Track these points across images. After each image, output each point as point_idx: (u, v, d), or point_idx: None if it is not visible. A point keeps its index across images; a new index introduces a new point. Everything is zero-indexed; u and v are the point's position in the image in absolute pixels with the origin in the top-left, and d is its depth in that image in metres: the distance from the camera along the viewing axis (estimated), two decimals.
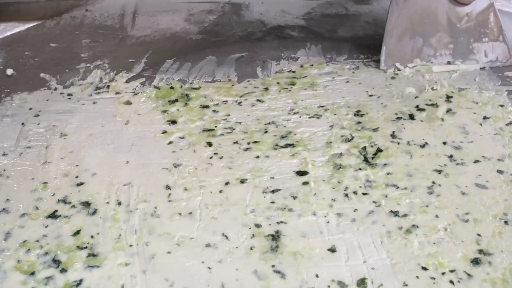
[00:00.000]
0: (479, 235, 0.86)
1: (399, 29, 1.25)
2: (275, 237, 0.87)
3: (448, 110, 1.13)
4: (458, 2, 1.21)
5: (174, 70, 1.32)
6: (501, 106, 1.14)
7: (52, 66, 1.35)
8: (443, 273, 0.80)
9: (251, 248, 0.85)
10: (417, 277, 0.79)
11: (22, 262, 0.84)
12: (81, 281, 0.81)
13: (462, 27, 1.23)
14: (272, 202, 0.93)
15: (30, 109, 1.20)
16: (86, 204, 0.94)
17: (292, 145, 1.05)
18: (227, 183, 0.97)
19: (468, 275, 0.79)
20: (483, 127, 1.09)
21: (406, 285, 0.78)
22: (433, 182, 0.96)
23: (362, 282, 0.79)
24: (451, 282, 0.78)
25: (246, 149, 1.05)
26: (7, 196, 0.96)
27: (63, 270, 0.83)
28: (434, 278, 0.79)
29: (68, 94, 1.25)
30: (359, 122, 1.11)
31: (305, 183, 0.97)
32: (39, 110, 1.19)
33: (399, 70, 1.27)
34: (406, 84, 1.23)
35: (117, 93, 1.24)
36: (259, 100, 1.20)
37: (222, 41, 1.46)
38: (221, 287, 0.79)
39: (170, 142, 1.08)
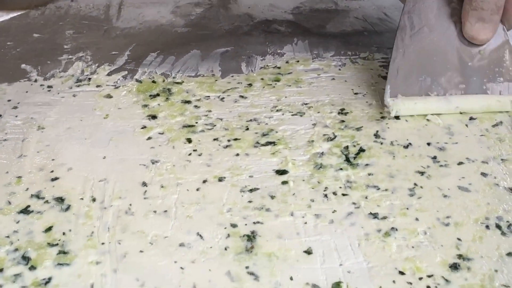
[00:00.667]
0: (459, 239, 0.84)
1: (405, 67, 1.10)
2: (251, 237, 0.85)
3: None
4: (470, 42, 1.10)
5: (157, 64, 1.30)
6: None
7: (33, 57, 1.33)
8: (420, 278, 0.78)
9: (225, 249, 0.83)
10: (393, 281, 0.78)
11: None
12: (50, 279, 0.79)
13: (474, 65, 1.10)
14: (250, 202, 0.91)
15: (9, 100, 1.18)
16: (60, 199, 0.92)
17: (273, 143, 1.03)
18: (204, 181, 0.95)
19: (446, 280, 0.78)
20: (469, 128, 1.07)
21: None
22: (415, 184, 0.94)
23: (337, 285, 0.77)
24: (428, 287, 0.77)
25: (226, 146, 1.03)
26: None
27: (32, 268, 0.81)
28: (411, 283, 0.77)
29: (48, 86, 1.22)
30: (343, 121, 1.09)
31: (284, 182, 0.95)
32: (18, 102, 1.17)
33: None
34: None
35: (98, 86, 1.22)
36: (242, 96, 1.17)
37: (208, 35, 1.44)
38: None
39: (149, 138, 1.06)
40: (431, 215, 0.88)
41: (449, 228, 0.86)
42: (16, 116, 1.12)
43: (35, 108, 1.15)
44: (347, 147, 1.02)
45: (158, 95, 1.18)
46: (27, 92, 1.20)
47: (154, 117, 1.11)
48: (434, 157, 1.00)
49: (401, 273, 0.79)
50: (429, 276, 0.78)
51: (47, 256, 0.82)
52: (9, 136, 1.07)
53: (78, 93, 1.20)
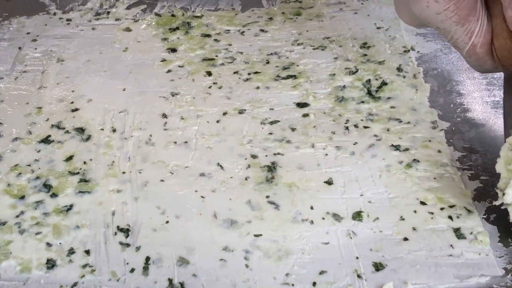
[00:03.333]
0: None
1: None
2: (271, 168, 0.84)
3: None
4: None
5: None
6: None
7: None
8: (442, 209, 0.77)
9: (246, 179, 0.83)
10: (414, 211, 0.77)
11: (12, 186, 0.83)
12: (71, 206, 0.80)
13: None
14: (270, 134, 0.90)
15: (28, 33, 1.17)
16: (80, 130, 0.92)
17: (294, 76, 1.02)
18: (225, 113, 0.95)
19: (468, 211, 0.77)
20: None
21: (403, 219, 0.76)
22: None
23: (357, 215, 0.77)
24: (450, 217, 0.76)
25: (246, 80, 1.02)
26: (1, 120, 0.94)
27: (54, 195, 0.81)
28: (432, 213, 0.77)
29: (67, 19, 1.21)
30: (365, 55, 1.07)
31: (305, 115, 0.94)
32: (37, 34, 1.16)
33: None
34: None
35: (117, 19, 1.20)
36: (262, 30, 1.15)
37: None
38: (213, 216, 0.78)
39: (169, 71, 1.05)
40: None
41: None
42: (36, 49, 1.12)
43: (54, 40, 1.14)
44: (369, 81, 1.00)
45: (177, 28, 1.16)
46: (46, 25, 1.19)
47: (173, 50, 1.10)
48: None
49: (423, 203, 0.78)
50: (451, 207, 0.78)
51: (68, 184, 0.83)
52: (28, 68, 1.06)
53: (97, 26, 1.19)
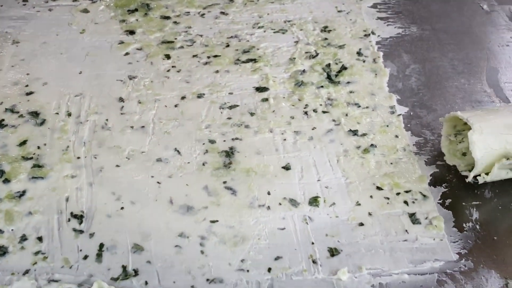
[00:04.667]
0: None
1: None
2: (229, 153, 0.84)
3: None
4: None
5: None
6: None
7: None
8: (397, 194, 0.78)
9: (203, 164, 0.82)
10: (371, 196, 0.77)
11: None
12: (24, 192, 0.78)
13: None
14: (229, 118, 0.90)
15: None
16: (35, 114, 0.90)
17: (254, 60, 1.01)
18: (183, 98, 0.93)
19: (424, 196, 0.77)
20: None
21: (359, 204, 0.76)
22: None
23: (314, 200, 0.77)
24: (405, 202, 0.77)
25: (206, 63, 1.01)
26: None
27: (6, 181, 0.79)
28: (388, 198, 0.77)
29: (23, 0, 1.18)
30: (326, 39, 1.06)
31: (264, 99, 0.93)
32: None
33: None
34: None
35: (74, 0, 1.18)
36: (223, 13, 1.14)
37: None
38: (169, 202, 0.77)
39: (127, 53, 1.03)
40: None
41: None
42: None
43: (10, 22, 1.12)
44: (329, 65, 1.00)
45: (136, 10, 1.14)
46: (1, 6, 1.16)
47: (132, 32, 1.08)
48: None
49: (379, 188, 0.78)
50: (406, 192, 0.78)
51: (22, 169, 0.81)
52: None
53: (54, 7, 1.16)
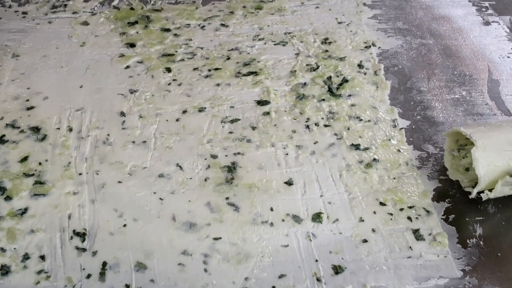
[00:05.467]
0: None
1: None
2: (231, 168, 0.84)
3: None
4: None
5: None
6: None
7: None
8: (401, 209, 0.77)
9: (205, 180, 0.82)
10: (374, 212, 0.77)
11: None
12: (26, 209, 0.78)
13: None
14: (230, 132, 0.89)
15: None
16: (36, 129, 0.90)
17: (255, 73, 1.01)
18: (184, 112, 0.93)
19: (427, 212, 0.77)
20: None
21: (363, 220, 0.76)
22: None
23: (317, 216, 0.77)
24: (409, 218, 0.76)
25: (207, 76, 1.01)
26: None
27: (8, 198, 0.79)
28: (391, 214, 0.77)
29: (23, 13, 1.18)
30: (326, 51, 1.06)
31: (266, 113, 0.93)
32: None
33: None
34: None
35: (74, 12, 1.18)
36: (223, 25, 1.14)
37: None
38: (172, 219, 0.77)
39: (127, 67, 1.03)
40: None
41: None
42: None
43: (9, 35, 1.12)
44: (330, 78, 0.99)
45: (136, 22, 1.14)
46: (0, 18, 1.16)
47: (132, 45, 1.08)
48: None
49: (382, 204, 0.78)
50: (410, 207, 0.78)
51: (23, 186, 0.81)
52: None
53: (53, 19, 1.16)
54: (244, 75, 1.00)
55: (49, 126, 0.90)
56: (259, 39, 1.10)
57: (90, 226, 0.76)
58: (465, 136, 0.79)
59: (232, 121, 0.91)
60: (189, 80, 1.00)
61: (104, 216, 0.77)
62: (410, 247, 0.73)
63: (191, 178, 0.82)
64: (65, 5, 1.20)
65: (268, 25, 1.14)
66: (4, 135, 0.88)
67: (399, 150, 0.86)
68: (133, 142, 0.88)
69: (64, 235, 0.75)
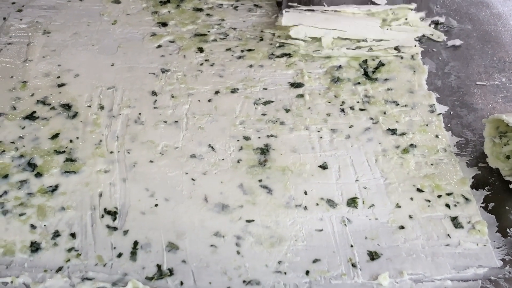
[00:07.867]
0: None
1: None
2: (264, 150, 0.82)
3: None
4: None
5: None
6: None
7: None
8: (439, 196, 0.75)
9: (238, 161, 0.80)
10: (411, 198, 0.75)
11: None
12: (56, 186, 0.77)
13: None
14: (263, 114, 0.88)
15: (13, 3, 1.13)
16: (67, 106, 0.89)
17: (289, 54, 0.99)
18: (217, 92, 0.92)
19: (466, 199, 0.75)
20: None
21: (399, 206, 0.74)
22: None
23: (352, 201, 0.75)
24: (447, 205, 0.74)
25: (239, 57, 0.99)
26: None
27: (39, 175, 0.78)
28: (429, 201, 0.75)
29: None
30: None
31: (300, 95, 0.91)
32: (22, 5, 1.12)
33: None
34: None
35: None
36: (256, 5, 1.12)
37: None
38: (204, 200, 0.75)
39: (159, 46, 1.01)
40: None
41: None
42: (21, 20, 1.08)
43: (40, 11, 1.10)
44: (365, 61, 0.97)
45: (168, 1, 1.13)
46: None
47: (164, 24, 1.06)
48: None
49: (419, 190, 0.76)
50: (448, 194, 0.76)
51: (54, 163, 0.80)
52: (13, 40, 1.02)
53: None
54: (278, 56, 0.99)
55: (80, 104, 0.89)
56: None
57: (121, 205, 0.75)
58: (506, 123, 0.77)
59: (265, 103, 0.90)
60: (222, 60, 0.98)
61: (136, 195, 0.76)
62: (448, 235, 0.71)
63: (223, 159, 0.81)
64: None
65: None
66: (35, 112, 0.88)
67: (437, 136, 0.84)
68: (165, 121, 0.86)
69: (95, 213, 0.74)
